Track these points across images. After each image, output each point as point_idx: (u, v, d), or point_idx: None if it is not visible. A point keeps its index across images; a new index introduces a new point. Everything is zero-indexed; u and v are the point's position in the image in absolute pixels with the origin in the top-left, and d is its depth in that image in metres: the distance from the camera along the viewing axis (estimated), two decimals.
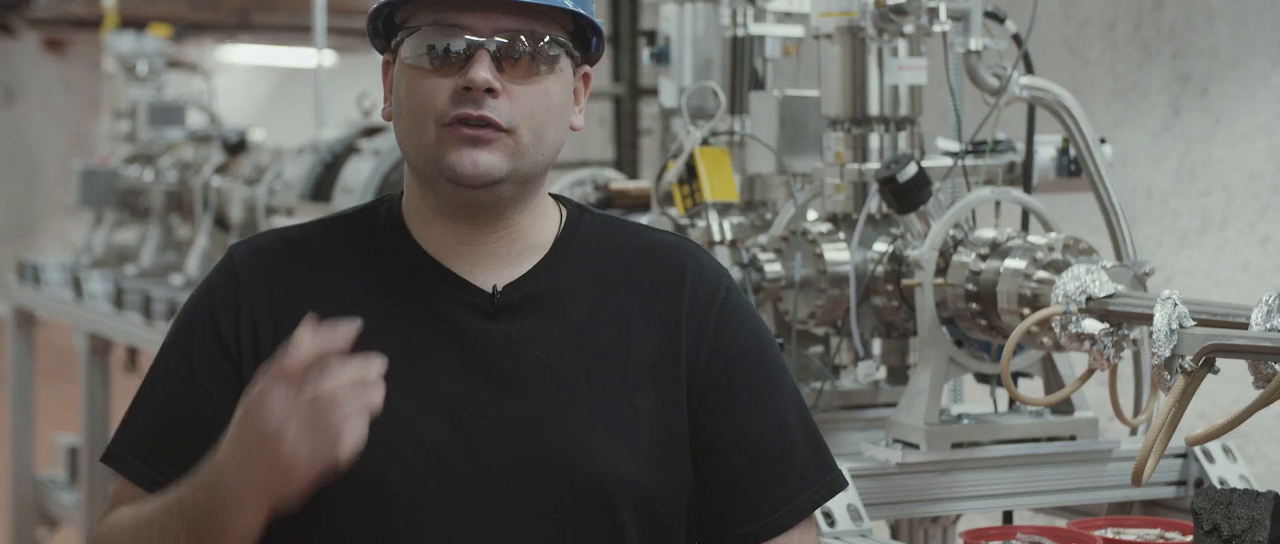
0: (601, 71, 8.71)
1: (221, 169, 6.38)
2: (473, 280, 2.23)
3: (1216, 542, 2.42)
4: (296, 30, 13.79)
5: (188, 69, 8.26)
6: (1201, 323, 2.65)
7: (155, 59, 7.44)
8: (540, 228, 2.28)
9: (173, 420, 2.22)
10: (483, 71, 2.15)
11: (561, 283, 2.25)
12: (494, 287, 2.22)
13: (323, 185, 5.44)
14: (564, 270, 2.26)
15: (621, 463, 2.19)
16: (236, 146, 6.24)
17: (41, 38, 16.45)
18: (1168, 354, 2.59)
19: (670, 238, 2.37)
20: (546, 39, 2.19)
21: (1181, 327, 2.59)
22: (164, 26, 7.75)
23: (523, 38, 2.18)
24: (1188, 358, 2.55)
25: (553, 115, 2.20)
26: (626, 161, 8.39)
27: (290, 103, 15.23)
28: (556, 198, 2.34)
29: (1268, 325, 2.55)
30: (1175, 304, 2.61)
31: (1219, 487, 2.47)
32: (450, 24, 2.17)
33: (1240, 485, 3.39)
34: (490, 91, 2.15)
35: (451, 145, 2.16)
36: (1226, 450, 3.45)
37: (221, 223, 6.31)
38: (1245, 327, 2.60)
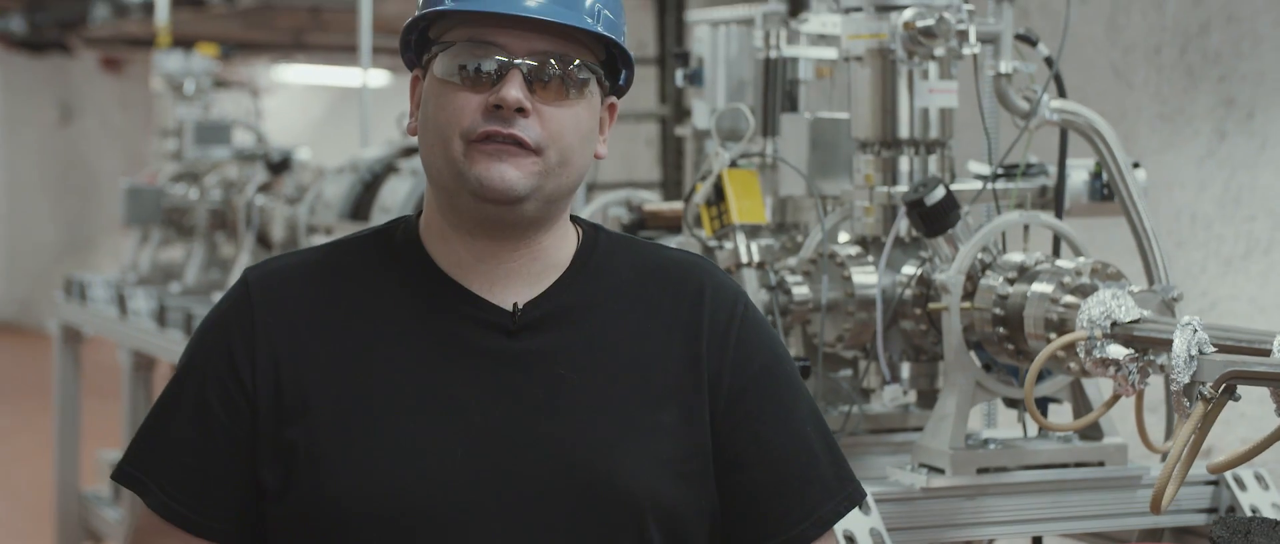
0: (648, 93, 8.71)
1: (264, 188, 6.41)
2: (492, 299, 2.23)
3: None
4: (350, 50, 13.85)
5: (237, 88, 8.30)
6: (1223, 349, 2.62)
7: (202, 78, 7.48)
8: (559, 248, 2.28)
9: (187, 448, 2.22)
10: (515, 90, 2.15)
11: (581, 300, 2.25)
12: (515, 304, 2.22)
13: (361, 204, 5.45)
14: (583, 288, 2.26)
15: (648, 477, 2.19)
16: (279, 166, 6.26)
17: (99, 56, 16.57)
18: (1187, 380, 2.57)
19: (685, 256, 2.37)
20: (578, 63, 2.19)
21: (1201, 353, 2.56)
22: (211, 46, 7.79)
23: (554, 61, 2.18)
24: (1208, 385, 2.52)
25: (580, 139, 2.21)
26: (672, 183, 8.38)
27: (344, 122, 15.29)
28: (574, 219, 2.34)
29: None
30: (1195, 330, 2.58)
31: (1239, 515, 2.44)
32: (485, 41, 2.18)
33: (1273, 513, 3.35)
34: (521, 111, 2.15)
35: (478, 159, 2.16)
36: (1259, 478, 3.42)
37: (264, 241, 6.33)
38: (1268, 353, 2.57)
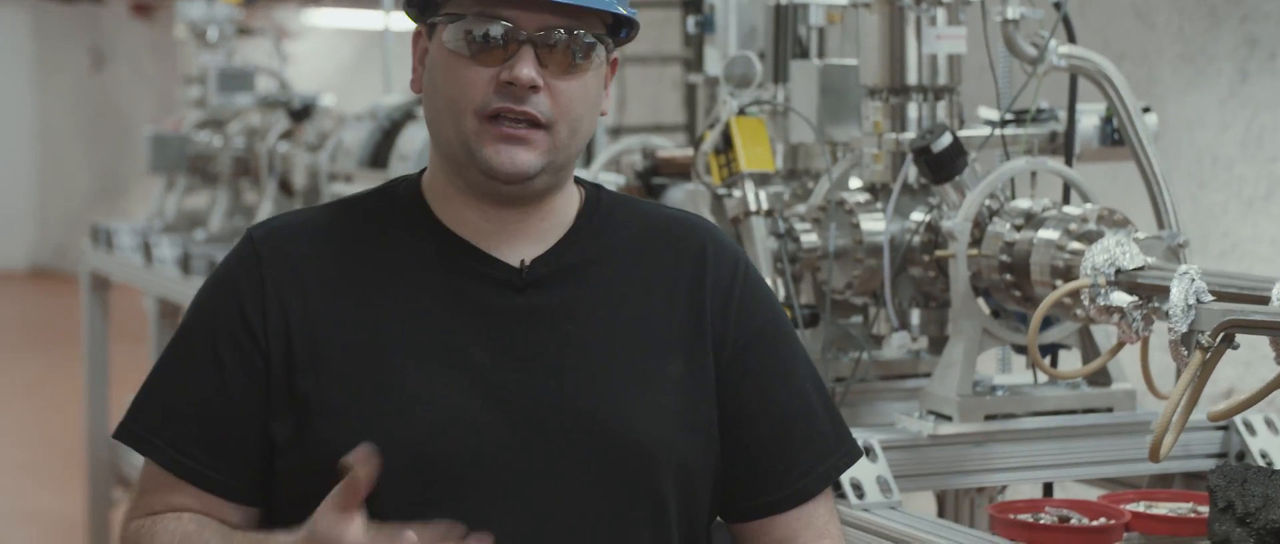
0: (673, 35, 8.68)
1: (286, 135, 6.42)
2: (498, 256, 2.24)
3: (1230, 518, 2.40)
4: None
5: (261, 34, 8.30)
6: (1222, 297, 2.62)
7: (225, 25, 7.49)
8: (565, 205, 2.29)
9: (199, 404, 2.21)
10: (527, 68, 2.15)
11: (587, 257, 2.27)
12: (521, 261, 2.23)
13: (380, 152, 5.46)
14: (588, 245, 2.28)
15: (659, 428, 2.22)
16: (301, 113, 6.27)
17: (129, 2, 16.59)
18: (1185, 329, 2.56)
19: (687, 216, 2.39)
20: (587, 37, 2.20)
21: (1199, 301, 2.56)
22: None
23: (565, 33, 2.18)
24: (1206, 334, 2.52)
25: (588, 109, 2.22)
26: (697, 128, 8.37)
27: (372, 67, 15.27)
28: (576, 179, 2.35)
29: None
30: (1193, 279, 2.58)
31: (1240, 464, 2.45)
32: (494, 15, 2.17)
33: None
34: (533, 88, 2.16)
35: (489, 140, 2.17)
36: (1269, 423, 3.42)
37: (285, 188, 6.35)
38: (1267, 301, 2.56)
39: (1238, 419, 3.38)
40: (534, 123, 2.17)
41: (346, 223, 2.29)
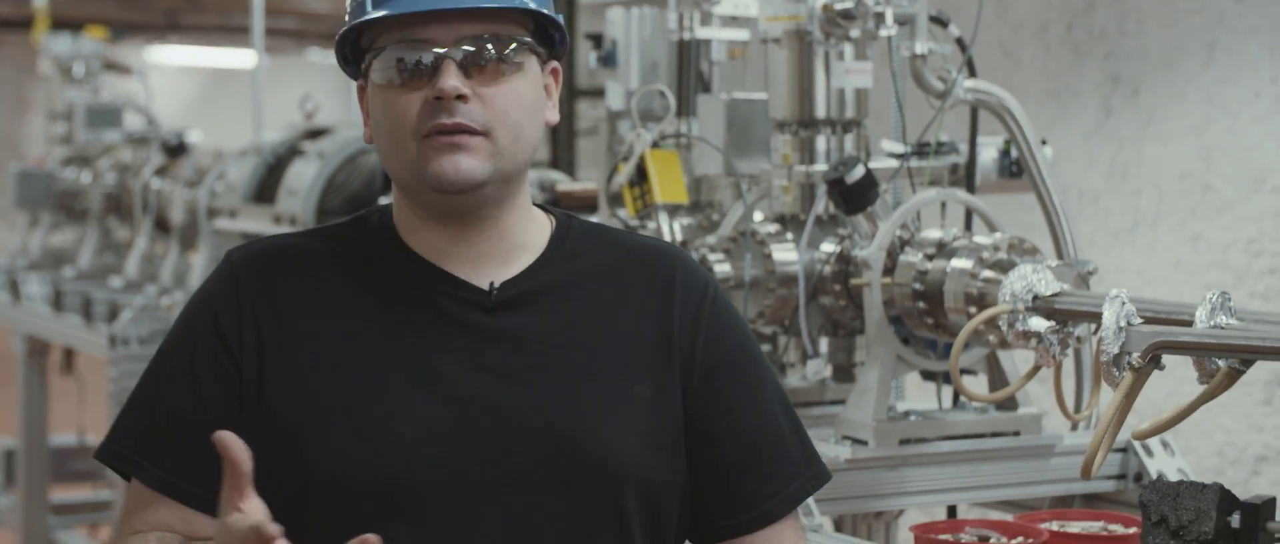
0: None
1: (161, 171, 6.38)
2: (468, 279, 2.28)
3: (1164, 532, 2.49)
4: (226, 30, 13.75)
5: (122, 71, 8.24)
6: (1147, 320, 2.72)
7: (92, 61, 7.43)
8: (528, 229, 2.33)
9: (177, 419, 2.26)
10: (450, 80, 2.20)
11: (557, 279, 2.31)
12: (491, 283, 2.28)
13: (266, 187, 5.45)
14: (558, 269, 2.32)
15: (624, 446, 2.26)
16: (177, 149, 6.24)
17: None
18: (1116, 351, 2.66)
19: (658, 243, 2.45)
20: (512, 43, 2.24)
21: (1129, 324, 2.66)
22: (100, 28, 7.74)
23: (488, 43, 2.22)
24: (1136, 355, 2.62)
25: (526, 113, 2.25)
26: (564, 162, 8.43)
27: (220, 104, 15.17)
28: (542, 208, 2.40)
29: (1211, 323, 2.63)
30: (1123, 303, 2.68)
31: (1170, 480, 2.54)
32: (414, 39, 2.22)
33: (1179, 478, 3.47)
34: (461, 98, 2.20)
35: (432, 155, 2.21)
36: (1165, 445, 3.53)
37: (162, 225, 6.30)
38: (1189, 323, 2.67)
39: (1136, 443, 3.50)
40: (471, 132, 2.21)
41: (322, 246, 2.33)
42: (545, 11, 2.27)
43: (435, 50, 2.21)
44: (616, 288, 2.33)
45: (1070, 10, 6.01)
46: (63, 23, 9.35)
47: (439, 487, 2.21)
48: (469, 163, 2.21)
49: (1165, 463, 3.50)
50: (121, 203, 6.70)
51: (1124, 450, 3.52)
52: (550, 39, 2.31)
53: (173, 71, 15.62)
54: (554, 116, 2.33)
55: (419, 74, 2.22)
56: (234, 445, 2.01)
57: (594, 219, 3.93)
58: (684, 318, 2.32)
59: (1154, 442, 3.53)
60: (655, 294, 2.33)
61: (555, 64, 2.34)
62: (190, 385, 2.26)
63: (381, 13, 2.23)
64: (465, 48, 2.21)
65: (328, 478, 2.20)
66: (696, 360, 2.32)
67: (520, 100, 2.24)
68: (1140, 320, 2.67)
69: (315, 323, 2.27)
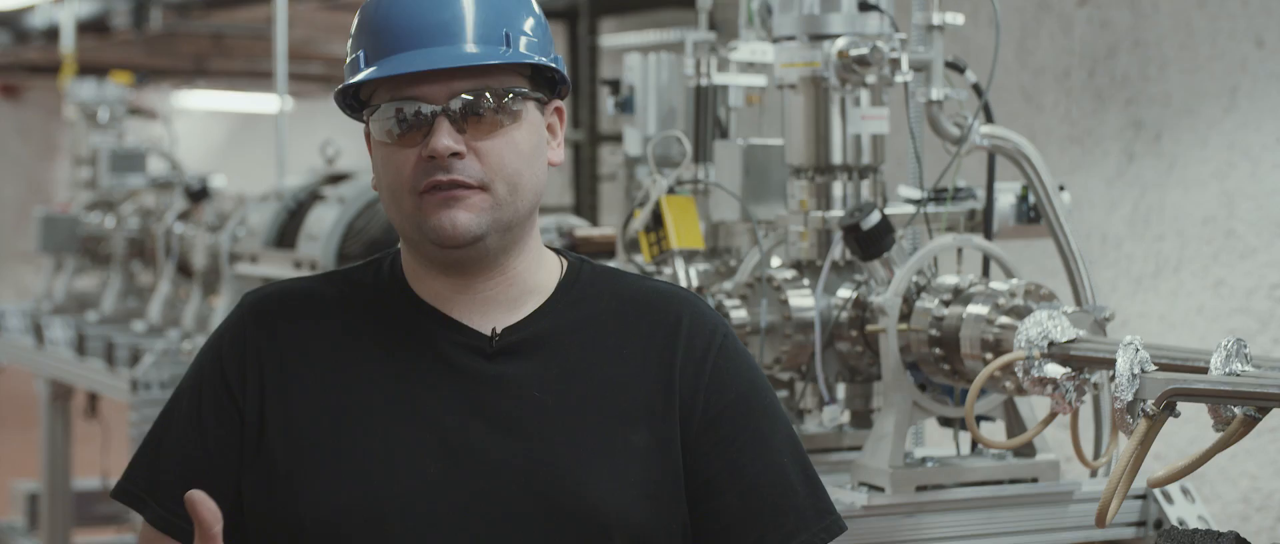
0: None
1: (184, 216, 6.41)
2: (472, 325, 2.29)
3: None
4: (252, 76, 13.81)
5: (147, 115, 8.27)
6: (1161, 367, 2.71)
7: (116, 106, 7.47)
8: (536, 273, 2.33)
9: (183, 461, 2.31)
10: (443, 140, 2.20)
11: (559, 326, 2.31)
12: (493, 329, 2.28)
13: (287, 232, 5.47)
14: (562, 315, 2.32)
15: (616, 496, 2.24)
16: (199, 194, 6.26)
17: None
18: (1130, 398, 2.65)
19: (669, 288, 2.42)
20: (507, 94, 2.24)
21: (1143, 371, 2.65)
22: (125, 74, 7.77)
23: (486, 95, 2.22)
24: (1150, 402, 2.61)
25: (525, 163, 2.25)
26: (586, 207, 8.45)
27: (246, 148, 15.23)
28: (557, 251, 2.40)
29: (1226, 370, 2.61)
30: (1137, 349, 2.66)
31: (1183, 527, 2.53)
32: (407, 97, 2.23)
33: (1198, 526, 3.45)
34: (456, 155, 2.21)
35: (429, 210, 2.22)
36: (1185, 491, 3.51)
37: (184, 269, 6.32)
38: (1204, 370, 2.66)
39: (1154, 489, 3.48)
40: (467, 187, 2.21)
41: (332, 291, 2.36)
42: (537, 60, 2.27)
43: (429, 107, 2.21)
44: (620, 334, 2.32)
45: (1092, 56, 6.00)
46: (90, 68, 9.41)
47: (429, 534, 2.22)
48: (466, 218, 2.21)
49: (1186, 510, 3.48)
50: (144, 247, 6.73)
51: (1143, 498, 3.50)
52: (551, 80, 2.32)
53: (200, 116, 15.69)
54: (558, 157, 2.34)
55: (412, 131, 2.22)
56: (203, 506, 2.06)
57: (610, 265, 3.94)
58: (687, 365, 2.31)
59: (1174, 488, 3.51)
60: (659, 340, 2.32)
61: (558, 104, 2.34)
62: (196, 428, 2.31)
63: (367, 74, 2.24)
64: (458, 103, 2.21)
65: (320, 522, 2.22)
66: (697, 408, 2.30)
67: (516, 150, 2.24)
68: (1154, 367, 2.66)
69: (317, 368, 2.29)
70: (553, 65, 2.29)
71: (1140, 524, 3.50)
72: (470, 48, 2.23)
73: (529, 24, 2.29)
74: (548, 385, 2.27)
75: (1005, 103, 6.24)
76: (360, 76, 2.25)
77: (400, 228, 2.29)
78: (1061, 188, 3.68)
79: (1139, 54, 5.86)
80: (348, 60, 2.30)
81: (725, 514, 2.30)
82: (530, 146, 2.26)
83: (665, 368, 2.31)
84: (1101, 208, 5.95)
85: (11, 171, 17.06)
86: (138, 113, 7.82)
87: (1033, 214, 3.75)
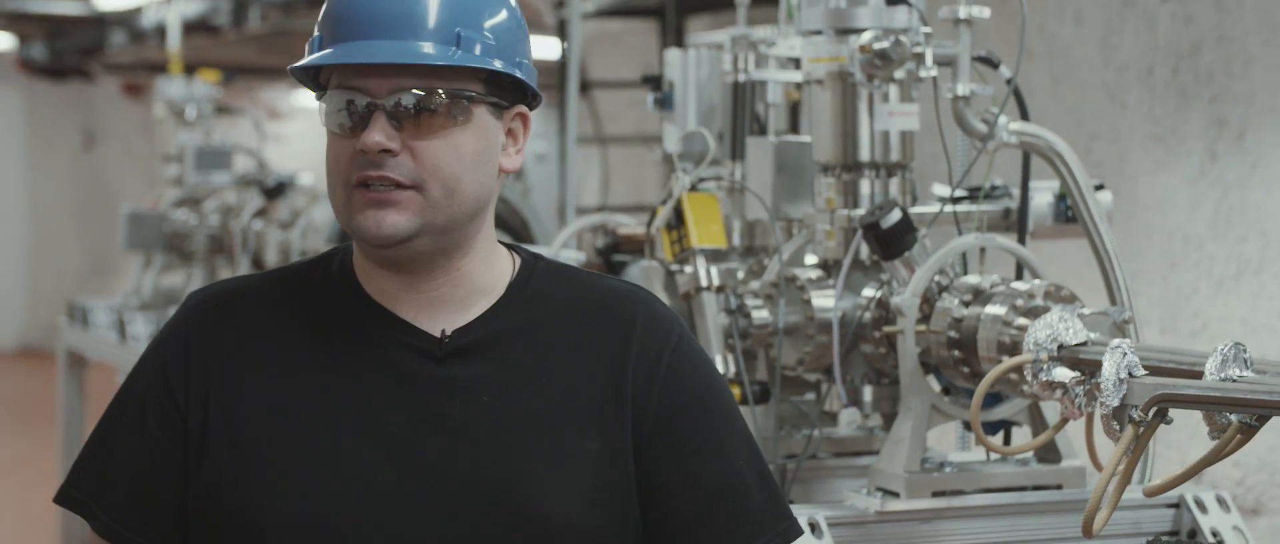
0: (655, 116, 8.68)
1: (260, 213, 6.44)
2: (421, 325, 2.24)
3: None
4: None
5: (240, 113, 8.34)
6: (1157, 371, 2.61)
7: (204, 104, 7.53)
8: (486, 273, 2.28)
9: (126, 467, 2.25)
10: (375, 134, 2.15)
11: (511, 327, 2.26)
12: (443, 331, 2.23)
13: None
14: (514, 316, 2.27)
15: (566, 502, 2.20)
16: (274, 190, 6.30)
17: (120, 82, 16.65)
18: (1117, 403, 2.55)
19: (624, 286, 2.37)
20: (456, 95, 2.18)
21: (1130, 375, 2.55)
22: (213, 72, 7.83)
23: (437, 94, 2.17)
24: (1137, 408, 2.51)
25: (466, 167, 2.20)
26: None
27: None
28: (511, 246, 2.35)
29: (1221, 375, 2.51)
30: (1125, 353, 2.57)
31: (1170, 535, 2.43)
32: (350, 87, 2.18)
33: (1233, 537, 3.34)
34: (389, 151, 2.16)
35: (358, 207, 2.18)
36: (1220, 501, 3.40)
37: (258, 265, 6.36)
38: (1200, 375, 2.56)
39: (1190, 497, 3.37)
40: (399, 185, 2.17)
41: (281, 289, 2.31)
42: (489, 65, 2.20)
43: (368, 100, 2.17)
44: (573, 335, 2.27)
45: (1176, 52, 5.86)
46: (202, 64, 9.50)
47: (375, 536, 2.17)
48: (393, 219, 2.16)
49: (1219, 520, 3.37)
50: (224, 244, 6.78)
51: (1176, 506, 3.39)
52: (518, 85, 2.26)
53: (315, 114, 15.81)
54: (512, 165, 2.27)
55: (354, 123, 2.18)
56: None
57: (640, 263, 3.88)
58: (640, 366, 2.26)
59: (1209, 498, 3.39)
60: (611, 341, 2.26)
61: (522, 109, 2.28)
62: (139, 433, 2.26)
63: (311, 59, 2.20)
64: (402, 99, 2.16)
65: (267, 530, 2.18)
66: (651, 410, 2.24)
67: (457, 153, 2.19)
68: (1144, 371, 2.56)
69: (262, 371, 2.24)
70: (505, 72, 2.22)
71: (1174, 534, 3.39)
72: (424, 45, 2.18)
73: (492, 25, 2.22)
74: (498, 390, 2.23)
75: (1089, 100, 6.12)
76: (305, 60, 2.22)
77: (339, 219, 2.25)
78: (1099, 187, 3.57)
79: (1223, 50, 5.71)
80: (312, 38, 2.26)
81: (676, 517, 2.24)
82: (475, 151, 2.21)
83: (618, 370, 2.25)
84: (1183, 208, 5.81)
85: (136, 168, 17.29)
86: (226, 111, 7.88)
87: (1071, 214, 3.64)
